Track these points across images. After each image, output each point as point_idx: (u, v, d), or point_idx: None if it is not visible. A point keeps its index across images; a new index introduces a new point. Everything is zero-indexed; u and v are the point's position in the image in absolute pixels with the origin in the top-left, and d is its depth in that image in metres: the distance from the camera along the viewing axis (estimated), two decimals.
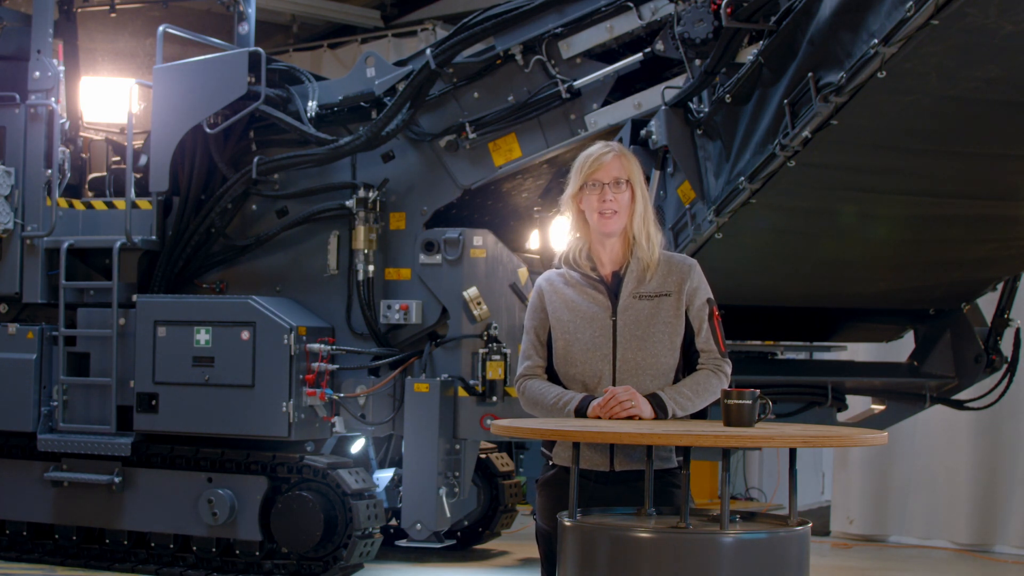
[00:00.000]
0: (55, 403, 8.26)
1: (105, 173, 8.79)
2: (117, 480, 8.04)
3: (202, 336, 7.86)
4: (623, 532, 3.44)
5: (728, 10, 5.89)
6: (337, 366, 7.97)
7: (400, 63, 8.09)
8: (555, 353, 3.98)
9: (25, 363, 8.30)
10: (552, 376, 4.01)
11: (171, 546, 8.02)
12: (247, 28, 8.96)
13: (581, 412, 3.84)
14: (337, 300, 8.11)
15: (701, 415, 3.99)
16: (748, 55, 6.01)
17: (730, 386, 3.81)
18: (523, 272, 7.93)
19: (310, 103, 8.12)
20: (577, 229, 4.02)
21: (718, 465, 3.80)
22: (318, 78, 8.38)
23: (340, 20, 14.54)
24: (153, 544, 8.07)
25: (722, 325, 3.99)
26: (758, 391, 3.65)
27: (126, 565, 8.12)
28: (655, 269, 3.94)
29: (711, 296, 3.98)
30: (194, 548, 7.97)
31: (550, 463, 3.99)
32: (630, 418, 3.77)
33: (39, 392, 8.31)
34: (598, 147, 4.01)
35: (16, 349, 8.33)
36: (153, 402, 7.97)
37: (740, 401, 3.62)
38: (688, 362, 3.97)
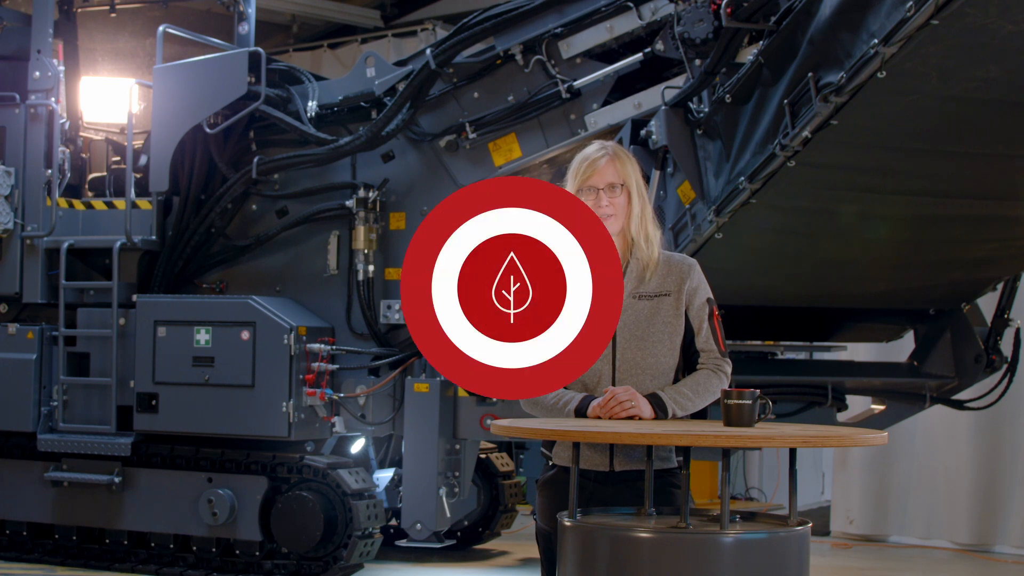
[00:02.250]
0: (55, 403, 8.25)
1: (105, 173, 8.79)
2: (117, 480, 8.04)
3: (202, 336, 7.86)
4: (623, 532, 3.43)
5: (728, 10, 5.89)
6: (337, 366, 7.97)
7: (400, 63, 8.09)
8: None
9: (25, 363, 8.30)
10: None
11: (171, 546, 8.02)
12: (247, 28, 8.95)
13: (581, 412, 3.83)
14: (337, 300, 8.11)
15: (701, 415, 3.98)
16: (748, 55, 6.01)
17: (730, 386, 3.80)
18: None
19: (310, 103, 8.12)
20: None
21: (718, 465, 3.80)
22: (318, 78, 8.38)
23: (340, 20, 14.53)
24: (153, 544, 8.07)
25: (722, 325, 3.98)
26: (758, 391, 3.64)
27: (126, 565, 8.12)
28: (655, 269, 3.93)
29: (711, 296, 3.97)
30: (194, 548, 7.96)
31: (550, 463, 3.98)
32: (630, 418, 3.77)
33: (39, 392, 8.30)
34: (593, 149, 3.97)
35: (16, 349, 8.33)
36: (153, 402, 7.96)
37: (740, 401, 3.61)
38: (688, 362, 3.96)
